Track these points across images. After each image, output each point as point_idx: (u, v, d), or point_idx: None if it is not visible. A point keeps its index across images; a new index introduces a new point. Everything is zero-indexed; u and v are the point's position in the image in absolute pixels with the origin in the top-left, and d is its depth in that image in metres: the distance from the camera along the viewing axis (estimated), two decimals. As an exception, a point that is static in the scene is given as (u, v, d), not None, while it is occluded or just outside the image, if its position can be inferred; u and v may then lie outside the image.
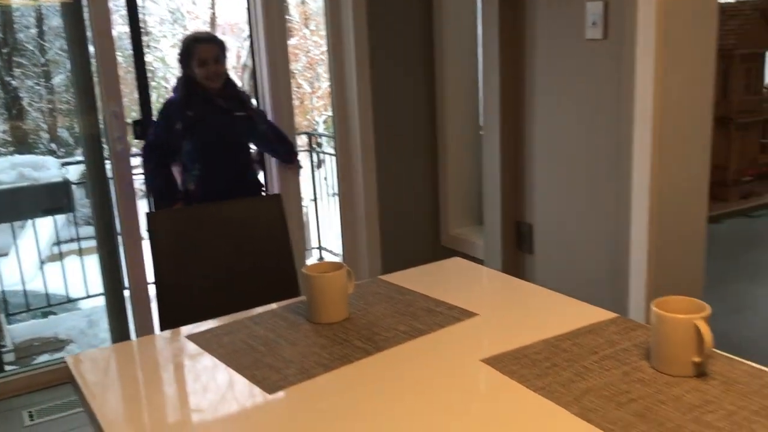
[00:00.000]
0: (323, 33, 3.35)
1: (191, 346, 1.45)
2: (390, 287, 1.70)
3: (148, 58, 7.88)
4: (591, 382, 1.19)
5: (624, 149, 2.53)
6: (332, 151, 3.63)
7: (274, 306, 1.63)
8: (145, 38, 8.03)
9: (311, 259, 4.91)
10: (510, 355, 1.31)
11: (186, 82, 2.89)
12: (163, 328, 1.84)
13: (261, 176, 3.27)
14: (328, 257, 5.03)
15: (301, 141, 5.68)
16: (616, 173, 2.59)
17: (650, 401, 1.12)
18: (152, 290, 2.81)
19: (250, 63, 3.06)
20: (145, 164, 2.93)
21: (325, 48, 3.53)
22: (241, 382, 1.28)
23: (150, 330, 2.89)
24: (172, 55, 8.05)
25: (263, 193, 3.17)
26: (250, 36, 3.24)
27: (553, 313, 1.51)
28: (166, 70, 8.69)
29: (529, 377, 1.23)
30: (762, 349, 3.12)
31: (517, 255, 3.12)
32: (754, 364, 1.21)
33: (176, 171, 2.95)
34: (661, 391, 1.15)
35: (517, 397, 1.17)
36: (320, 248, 5.16)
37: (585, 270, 2.79)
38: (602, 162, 2.65)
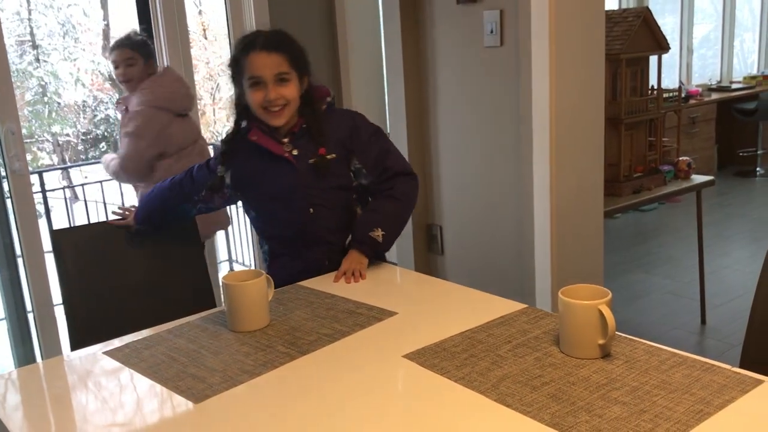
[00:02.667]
0: (222, 43, 3.31)
1: (109, 363, 1.42)
2: (309, 292, 1.72)
3: (38, 72, 7.54)
4: (507, 369, 1.26)
5: (524, 151, 2.65)
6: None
7: (192, 317, 1.62)
8: (33, 51, 7.67)
9: (222, 272, 4.83)
10: (430, 349, 1.36)
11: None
12: (74, 349, 1.78)
13: None
14: (239, 269, 4.96)
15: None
16: (517, 174, 2.70)
17: (562, 383, 1.19)
18: (59, 311, 2.70)
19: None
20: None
21: (224, 58, 3.48)
22: (166, 394, 1.27)
23: (58, 353, 2.78)
24: (64, 69, 7.73)
25: None
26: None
27: (467, 308, 1.57)
28: (57, 85, 8.33)
29: (449, 369, 1.28)
30: (656, 332, 3.33)
31: (429, 256, 3.20)
32: (651, 343, 1.31)
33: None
34: (571, 373, 1.22)
35: (439, 389, 1.22)
36: (230, 260, 5.09)
37: (493, 266, 2.89)
38: (505, 164, 2.76)
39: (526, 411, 1.12)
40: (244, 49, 1.75)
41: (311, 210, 1.84)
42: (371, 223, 1.83)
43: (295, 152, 1.81)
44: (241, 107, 1.83)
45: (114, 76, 2.84)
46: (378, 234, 1.82)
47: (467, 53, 2.81)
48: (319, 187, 1.82)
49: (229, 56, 1.82)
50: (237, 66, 1.78)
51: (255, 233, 2.12)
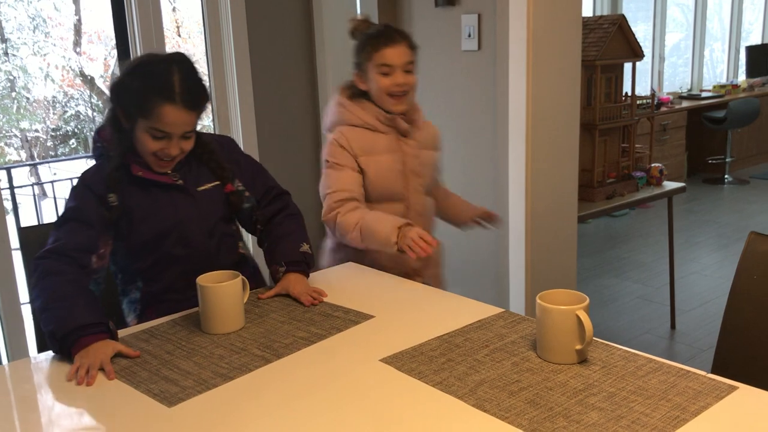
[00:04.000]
0: (195, 41, 3.26)
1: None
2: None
3: (6, 66, 7.40)
4: (484, 374, 1.26)
5: (500, 155, 2.66)
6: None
7: (165, 319, 1.59)
8: (2, 45, 7.54)
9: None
10: (407, 353, 1.35)
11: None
12: (41, 350, 1.73)
13: None
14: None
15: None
16: (494, 178, 2.71)
17: (539, 388, 1.19)
18: (27, 310, 2.65)
19: (119, 72, 2.79)
20: None
21: (198, 56, 3.44)
22: (138, 397, 1.25)
23: (24, 355, 2.72)
24: (34, 64, 7.59)
25: None
26: (118, 44, 3.12)
27: (445, 312, 1.56)
28: (26, 80, 8.18)
29: (426, 373, 1.27)
30: (627, 336, 3.37)
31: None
32: (628, 349, 1.32)
33: None
34: (548, 378, 1.22)
35: (416, 393, 1.21)
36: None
37: (468, 270, 2.90)
38: (481, 167, 2.77)
39: (503, 416, 1.11)
40: None
41: (209, 241, 1.66)
42: (294, 241, 1.71)
43: (180, 182, 1.63)
44: (125, 141, 1.58)
45: (379, 86, 1.92)
46: (306, 248, 1.72)
47: (445, 57, 2.81)
48: (215, 217, 1.68)
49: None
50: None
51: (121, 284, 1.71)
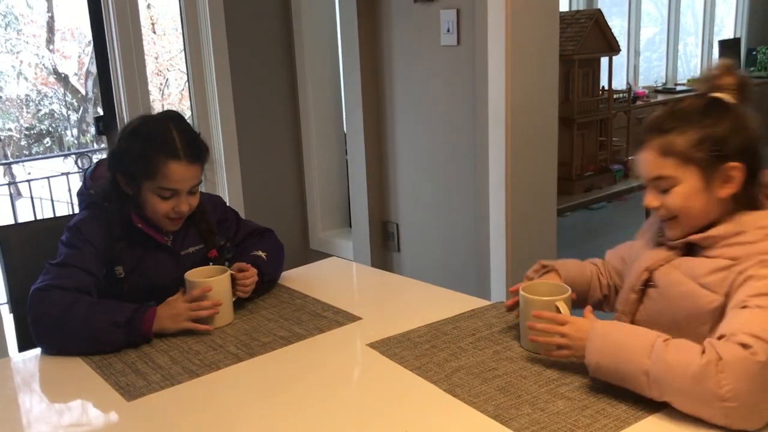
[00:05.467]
0: (171, 38, 3.22)
1: (62, 358, 1.39)
2: (284, 290, 1.69)
3: (-22, 64, 7.28)
4: (463, 361, 1.28)
5: (480, 149, 2.67)
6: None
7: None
8: (-26, 43, 7.41)
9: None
10: (395, 339, 1.38)
11: None
12: (22, 349, 1.72)
13: None
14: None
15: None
16: (473, 171, 2.73)
17: (514, 377, 1.21)
18: (5, 310, 2.61)
19: (94, 70, 2.74)
20: None
21: (173, 54, 3.40)
22: (105, 389, 1.26)
23: (4, 353, 2.69)
24: (6, 62, 7.47)
25: None
26: (95, 41, 3.08)
27: (437, 303, 1.57)
28: (-1, 78, 8.06)
29: (408, 358, 1.30)
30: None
31: (385, 254, 3.21)
32: None
33: None
34: (524, 367, 1.24)
35: (394, 377, 1.24)
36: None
37: (449, 263, 2.92)
38: (461, 161, 2.78)
39: (471, 402, 1.14)
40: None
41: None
42: (251, 249, 1.67)
43: (169, 243, 1.60)
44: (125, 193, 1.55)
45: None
46: (260, 254, 1.65)
47: (424, 52, 2.82)
48: None
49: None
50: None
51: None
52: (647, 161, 1.21)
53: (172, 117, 1.55)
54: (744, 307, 1.08)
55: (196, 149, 1.52)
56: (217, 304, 1.46)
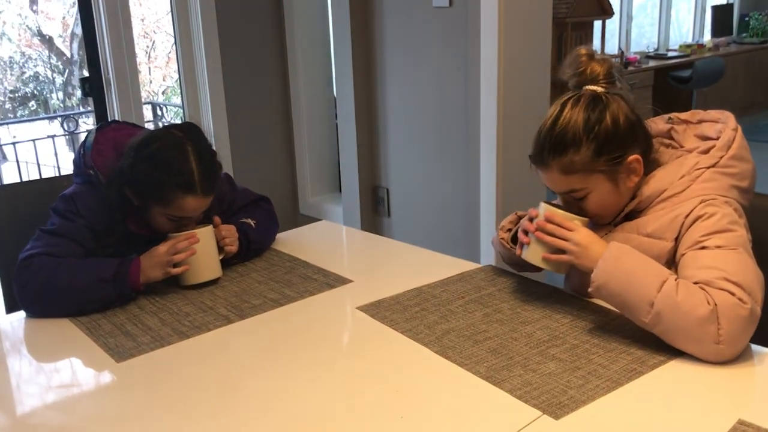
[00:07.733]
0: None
1: (51, 320, 1.39)
2: (274, 253, 1.68)
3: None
4: (454, 323, 1.28)
5: (472, 113, 2.66)
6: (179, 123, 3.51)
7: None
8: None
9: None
10: (384, 302, 1.38)
11: None
12: (10, 311, 1.71)
13: None
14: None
15: (147, 112, 5.43)
16: (465, 137, 2.71)
17: (504, 339, 1.21)
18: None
19: (79, 31, 2.67)
20: None
21: (160, 15, 3.34)
22: (94, 351, 1.26)
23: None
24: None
25: None
26: (79, 2, 3.02)
27: (427, 267, 1.57)
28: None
29: (398, 321, 1.30)
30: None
31: (375, 219, 3.20)
32: (601, 303, 1.30)
33: None
34: (515, 329, 1.24)
35: (384, 339, 1.24)
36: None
37: (439, 229, 2.92)
38: (452, 126, 2.77)
39: (463, 363, 1.14)
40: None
41: None
42: (241, 216, 1.67)
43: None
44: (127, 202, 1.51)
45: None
46: (249, 221, 1.65)
47: (416, 13, 2.78)
48: None
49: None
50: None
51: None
52: (553, 179, 1.29)
53: (191, 138, 1.50)
54: (703, 247, 1.15)
55: (212, 178, 1.50)
56: (193, 242, 1.45)
